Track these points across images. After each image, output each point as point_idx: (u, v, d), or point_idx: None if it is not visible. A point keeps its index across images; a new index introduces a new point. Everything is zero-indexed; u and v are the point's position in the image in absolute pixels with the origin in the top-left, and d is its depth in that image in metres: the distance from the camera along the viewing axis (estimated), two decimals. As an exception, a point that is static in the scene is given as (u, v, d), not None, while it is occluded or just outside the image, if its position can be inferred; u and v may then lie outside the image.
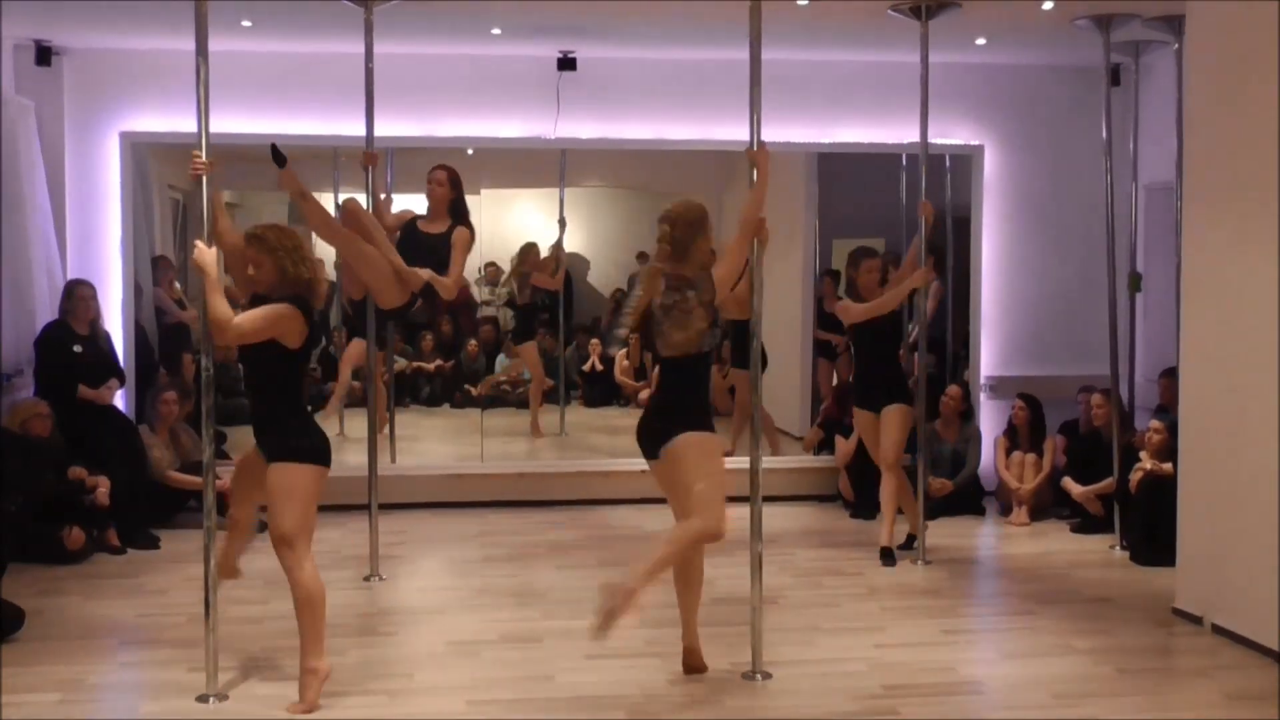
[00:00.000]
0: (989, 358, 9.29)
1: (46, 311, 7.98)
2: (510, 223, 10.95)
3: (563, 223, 10.04)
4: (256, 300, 4.95)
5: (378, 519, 6.98)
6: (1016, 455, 8.65)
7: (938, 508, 8.28)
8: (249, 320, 4.85)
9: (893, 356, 7.55)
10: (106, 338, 8.19)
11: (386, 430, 9.11)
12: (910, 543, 7.44)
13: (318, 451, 5.00)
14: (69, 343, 7.79)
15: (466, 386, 11.05)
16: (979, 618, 6.56)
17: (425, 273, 6.57)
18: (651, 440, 5.10)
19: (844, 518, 8.53)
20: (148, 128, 8.54)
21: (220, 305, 4.83)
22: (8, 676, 5.25)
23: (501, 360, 11.09)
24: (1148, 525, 7.26)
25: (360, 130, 7.07)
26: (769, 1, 5.55)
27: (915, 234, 7.36)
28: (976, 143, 9.22)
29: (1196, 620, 6.08)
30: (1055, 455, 8.55)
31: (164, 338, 9.15)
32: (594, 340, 11.13)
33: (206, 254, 4.92)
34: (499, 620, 6.15)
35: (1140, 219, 8.57)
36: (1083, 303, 8.95)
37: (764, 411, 5.66)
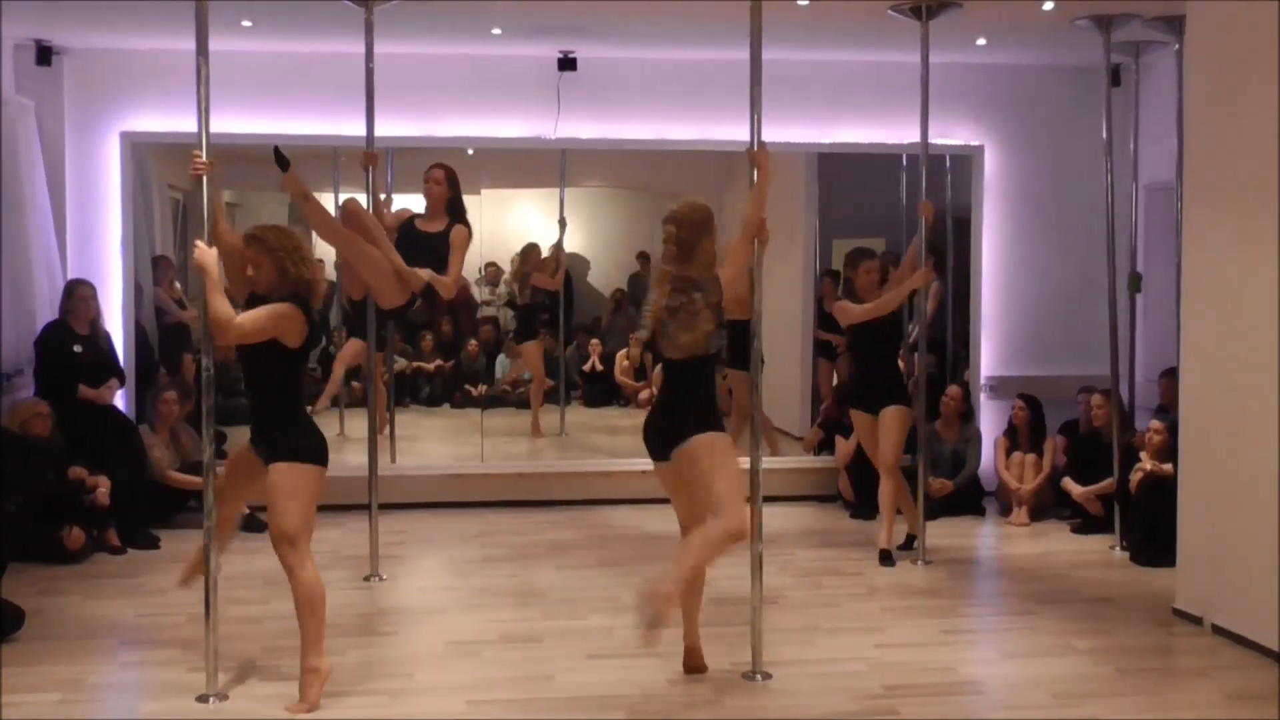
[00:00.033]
0: (989, 358, 9.29)
1: (47, 311, 7.98)
2: (510, 223, 10.96)
3: (563, 223, 10.04)
4: (254, 300, 4.96)
5: (378, 519, 6.98)
6: (1017, 455, 8.66)
7: (938, 508, 8.28)
8: (251, 320, 4.86)
9: (891, 357, 7.55)
10: (107, 337, 8.19)
11: (387, 430, 9.12)
12: (910, 543, 7.44)
13: (318, 451, 5.02)
14: (69, 342, 7.79)
15: (466, 386, 11.05)
16: (979, 618, 6.56)
17: (425, 273, 6.56)
18: (661, 442, 5.08)
19: (844, 518, 8.53)
20: (148, 128, 8.54)
21: (222, 305, 4.83)
22: (8, 676, 5.25)
23: (501, 360, 11.10)
24: (1148, 525, 7.26)
25: (360, 130, 7.07)
26: (769, 1, 5.55)
27: (915, 234, 7.37)
28: (977, 143, 9.22)
29: (1196, 620, 6.08)
30: (1055, 455, 8.55)
31: (164, 337, 9.15)
32: (594, 340, 11.13)
33: (208, 254, 4.92)
34: (499, 620, 6.15)
35: (1140, 219, 8.57)
36: (1083, 303, 8.95)
37: (762, 413, 5.65)
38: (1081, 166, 9.04)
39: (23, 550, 6.93)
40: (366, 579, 6.88)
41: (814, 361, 9.96)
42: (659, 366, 10.68)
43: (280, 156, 5.97)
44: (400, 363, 10.64)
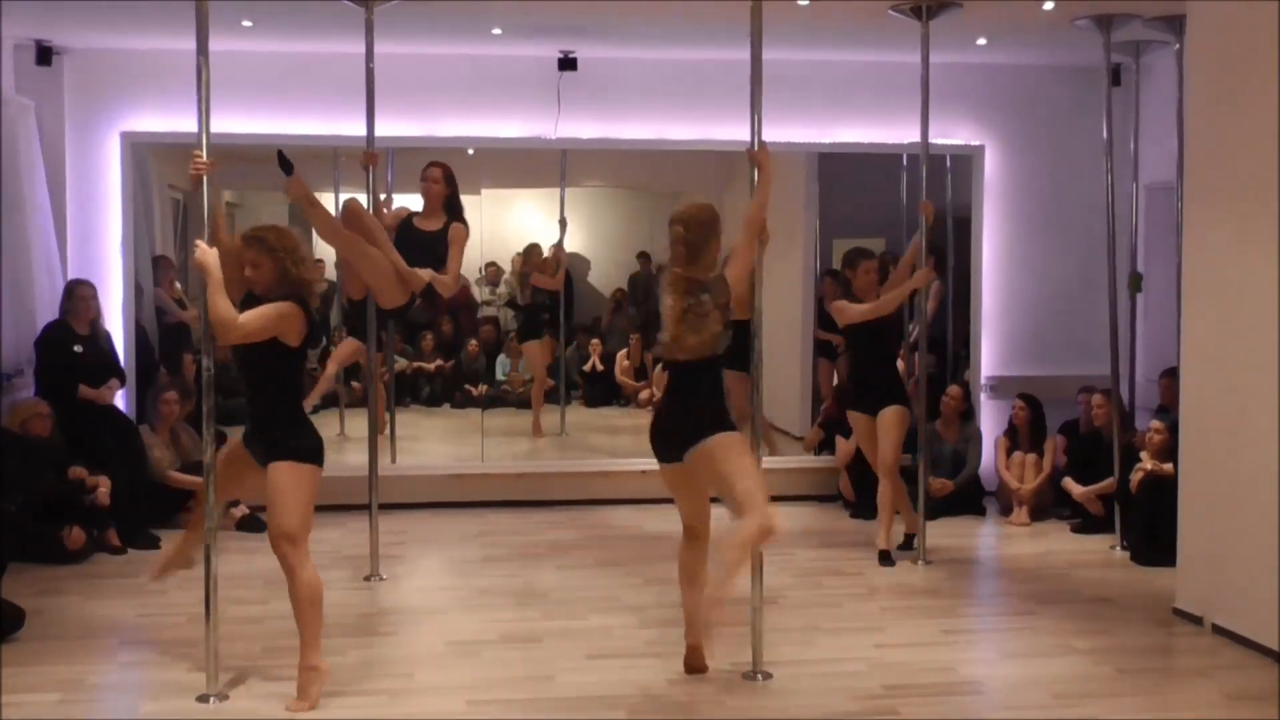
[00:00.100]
0: (989, 358, 9.29)
1: (47, 311, 7.98)
2: (510, 223, 10.96)
3: (563, 223, 10.05)
4: (250, 301, 4.96)
5: (378, 519, 6.98)
6: (1017, 455, 8.65)
7: (938, 508, 8.28)
8: (253, 319, 4.87)
9: (889, 357, 7.55)
10: (107, 337, 8.19)
11: (387, 430, 9.12)
12: (909, 543, 7.44)
13: (317, 451, 5.03)
14: (69, 342, 7.79)
15: (466, 386, 11.05)
16: (979, 618, 6.56)
17: (426, 273, 6.57)
18: (672, 443, 5.06)
19: (844, 518, 8.53)
20: (148, 127, 8.54)
21: (224, 305, 4.84)
22: (8, 676, 5.25)
23: (501, 360, 11.10)
24: (1148, 525, 7.26)
25: (360, 130, 7.07)
26: (770, 1, 5.55)
27: (915, 233, 7.36)
28: (977, 143, 9.22)
29: (1197, 620, 6.08)
30: (1056, 455, 8.55)
31: (164, 337, 9.15)
32: (594, 340, 11.14)
33: (209, 254, 4.92)
34: (499, 620, 6.15)
35: (1141, 219, 8.57)
36: (1083, 303, 8.95)
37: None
38: (1082, 166, 9.04)
39: (23, 550, 6.93)
40: (367, 579, 6.88)
41: (814, 361, 9.96)
42: (659, 366, 10.77)
43: (284, 160, 5.97)
44: (400, 363, 10.64)
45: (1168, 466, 7.16)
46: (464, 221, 6.79)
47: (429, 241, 6.69)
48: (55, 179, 8.33)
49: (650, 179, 10.68)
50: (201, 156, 5.03)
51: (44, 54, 8.28)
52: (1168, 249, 7.94)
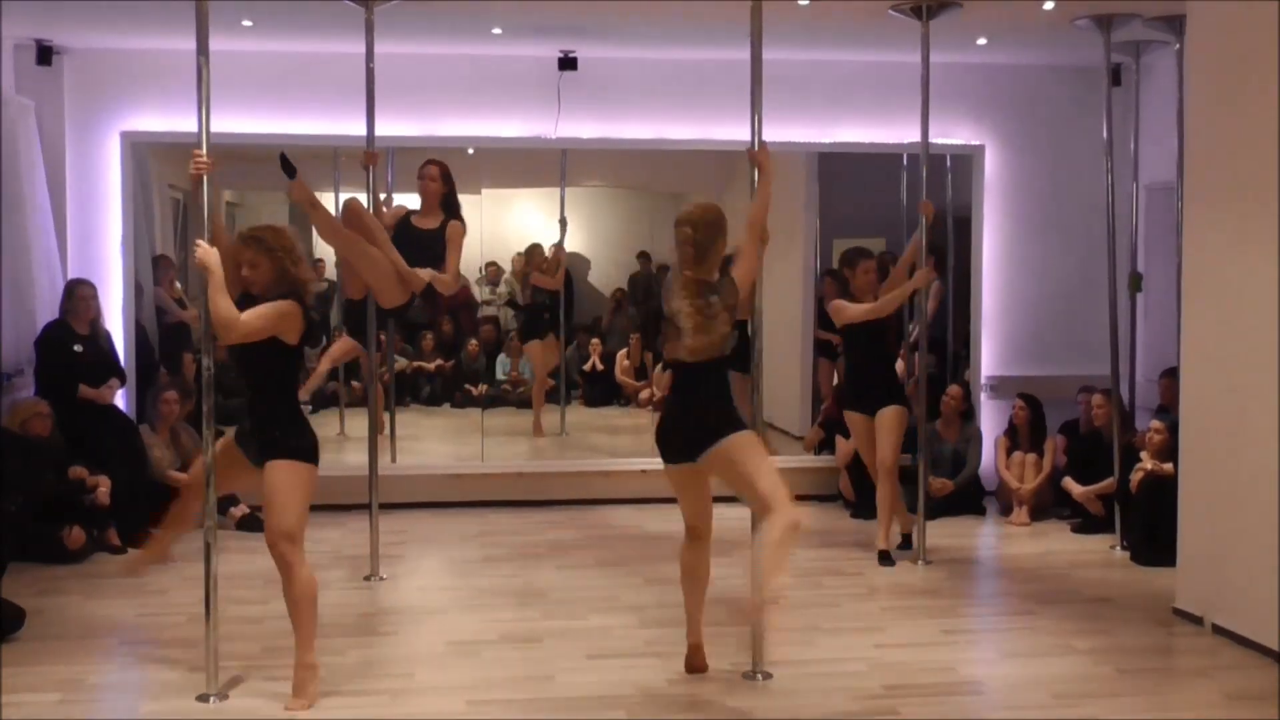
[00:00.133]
0: (989, 357, 9.29)
1: (47, 311, 7.98)
2: (510, 222, 10.96)
3: (563, 222, 10.05)
4: (247, 300, 4.97)
5: (378, 518, 6.98)
6: (1017, 455, 8.65)
7: (938, 508, 8.28)
8: (255, 317, 4.88)
9: (887, 357, 7.55)
10: (107, 337, 8.19)
11: (387, 430, 9.12)
12: (907, 542, 7.44)
13: (314, 451, 5.05)
14: (69, 342, 7.79)
15: (466, 386, 11.05)
16: (979, 618, 6.56)
17: (426, 273, 6.59)
18: (684, 445, 5.04)
19: (844, 518, 8.53)
20: (148, 127, 8.54)
21: (226, 304, 4.85)
22: (8, 676, 5.25)
23: (502, 359, 11.10)
24: (1148, 525, 7.26)
25: (361, 130, 7.07)
26: (770, 1, 5.55)
27: (915, 232, 7.37)
28: (977, 143, 9.22)
29: (1197, 620, 6.08)
30: (1056, 455, 8.55)
31: (164, 337, 9.15)
32: (594, 340, 11.14)
33: (211, 253, 4.92)
34: (499, 620, 6.15)
35: (1141, 219, 8.57)
36: (1083, 303, 8.95)
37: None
38: (1082, 166, 9.04)
39: (23, 550, 6.93)
40: (367, 579, 6.88)
41: (814, 361, 9.96)
42: (660, 366, 10.77)
43: (286, 164, 5.98)
44: (401, 362, 10.64)
45: (1168, 466, 7.16)
46: (461, 219, 6.80)
47: (427, 240, 6.70)
48: (55, 179, 8.33)
49: (650, 179, 10.68)
50: (202, 156, 5.03)
51: (44, 54, 8.28)
52: (1168, 249, 7.94)
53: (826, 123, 9.02)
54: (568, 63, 8.72)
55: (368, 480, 7.02)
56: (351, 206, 6.57)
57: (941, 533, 7.90)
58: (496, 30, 7.97)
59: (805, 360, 9.99)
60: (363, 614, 6.31)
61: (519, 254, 10.89)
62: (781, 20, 7.17)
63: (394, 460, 9.13)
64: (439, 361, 11.15)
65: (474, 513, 8.55)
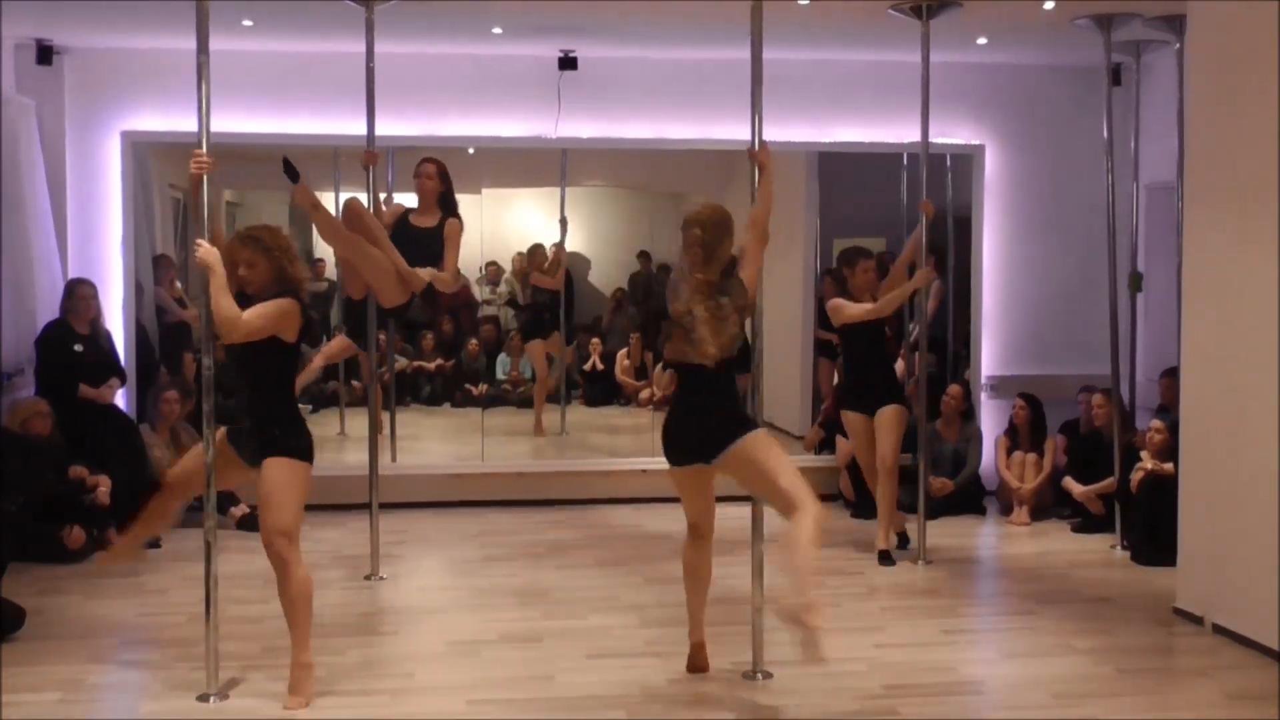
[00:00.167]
0: (990, 357, 9.29)
1: (47, 310, 7.98)
2: (511, 222, 10.96)
3: (564, 222, 10.05)
4: (242, 300, 4.98)
5: (378, 518, 6.98)
6: (1017, 455, 8.66)
7: (938, 507, 8.28)
8: (257, 316, 4.90)
9: (888, 357, 7.54)
10: (107, 337, 8.19)
11: (387, 429, 9.12)
12: (904, 543, 7.43)
13: (310, 449, 5.07)
14: (70, 342, 7.79)
15: (467, 386, 11.05)
16: (979, 618, 6.56)
17: (426, 272, 6.61)
18: (695, 447, 5.03)
19: (845, 517, 8.52)
20: (148, 127, 8.54)
21: (229, 303, 4.86)
22: (8, 676, 5.25)
23: (502, 359, 11.10)
24: (1148, 525, 7.26)
25: (361, 130, 7.07)
26: (770, 1, 5.55)
27: (914, 230, 7.37)
28: (977, 142, 9.22)
29: (1197, 620, 6.08)
30: (1056, 455, 8.56)
31: (165, 337, 9.15)
32: (594, 339, 11.13)
33: (212, 252, 4.93)
34: (499, 620, 6.15)
35: (1141, 219, 8.56)
36: (1083, 302, 8.95)
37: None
38: (1082, 166, 9.04)
39: (23, 550, 6.93)
40: (367, 578, 6.88)
41: (814, 361, 9.96)
42: (660, 366, 10.75)
43: (290, 168, 5.99)
44: (401, 362, 10.64)
45: (1168, 466, 7.15)
46: (459, 216, 6.82)
47: (425, 238, 6.73)
48: (56, 178, 8.33)
49: (650, 179, 10.68)
50: (203, 155, 5.03)
51: (44, 53, 8.28)
52: (1168, 249, 7.94)
53: (826, 122, 9.02)
54: (568, 62, 8.72)
55: (368, 480, 7.02)
56: (352, 206, 6.58)
57: (942, 532, 7.90)
58: (496, 30, 7.97)
59: (805, 360, 9.99)
60: (363, 614, 6.31)
61: (519, 254, 10.89)
62: (781, 20, 7.17)
63: (394, 460, 9.13)
64: (439, 361, 11.14)
65: (474, 513, 8.55)
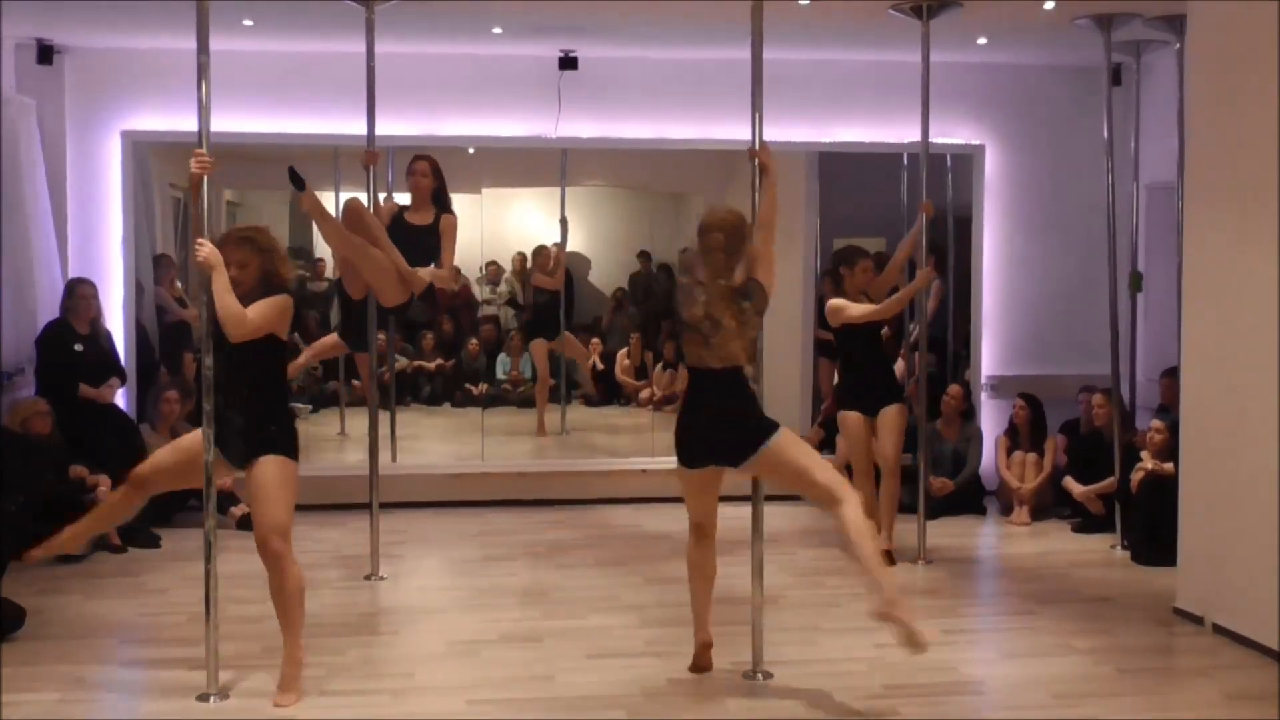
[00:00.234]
0: (990, 357, 9.29)
1: (48, 310, 7.99)
2: (511, 222, 10.95)
3: (564, 222, 10.05)
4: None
5: (378, 518, 6.98)
6: (1017, 455, 8.66)
7: (939, 507, 8.28)
8: (259, 314, 4.94)
9: (888, 357, 7.54)
10: (108, 336, 8.19)
11: (387, 429, 9.11)
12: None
13: (298, 447, 5.10)
14: (70, 341, 7.79)
15: (467, 385, 11.05)
16: (979, 618, 6.56)
17: (427, 272, 6.65)
18: (723, 451, 5.06)
19: (844, 517, 8.51)
20: (149, 126, 8.54)
21: (232, 301, 4.88)
22: (8, 676, 5.25)
23: (502, 359, 11.10)
24: (1149, 525, 7.26)
25: (361, 129, 7.08)
26: (770, 1, 5.55)
27: (913, 227, 7.38)
28: (977, 142, 9.23)
29: (1197, 620, 6.08)
30: (1056, 455, 8.56)
31: (165, 336, 9.15)
32: (595, 339, 11.13)
33: (214, 252, 4.94)
34: (499, 620, 6.15)
35: (1141, 218, 8.56)
36: (1084, 302, 8.96)
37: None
38: (1082, 166, 9.04)
39: (23, 550, 6.91)
40: (367, 578, 6.88)
41: (814, 361, 9.96)
42: (660, 366, 10.75)
43: (295, 177, 6.01)
44: (401, 362, 10.63)
45: (1168, 466, 7.15)
46: (453, 212, 6.85)
47: (421, 235, 6.77)
48: (56, 178, 8.33)
49: (650, 179, 10.67)
50: (204, 155, 5.03)
51: (45, 53, 8.29)
52: (1168, 249, 7.94)
53: (827, 122, 9.02)
54: (568, 62, 8.72)
55: (368, 480, 7.02)
56: (352, 206, 6.59)
57: (942, 532, 7.90)
58: (497, 30, 7.97)
59: (805, 360, 9.99)
60: (363, 613, 6.31)
61: (519, 254, 10.89)
62: (782, 20, 7.17)
63: (394, 460, 9.12)
64: (439, 361, 11.14)
65: (474, 512, 8.55)
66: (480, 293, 11.18)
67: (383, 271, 6.49)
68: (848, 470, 8.58)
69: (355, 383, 10.17)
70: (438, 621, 6.16)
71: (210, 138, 5.08)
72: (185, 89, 5.29)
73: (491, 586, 6.78)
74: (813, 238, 9.97)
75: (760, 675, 5.31)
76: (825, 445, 9.22)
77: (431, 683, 5.29)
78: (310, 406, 10.15)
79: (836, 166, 9.67)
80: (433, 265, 6.76)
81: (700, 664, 5.37)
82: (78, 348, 7.80)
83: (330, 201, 8.56)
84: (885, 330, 7.55)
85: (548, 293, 10.34)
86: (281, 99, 8.62)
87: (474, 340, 11.18)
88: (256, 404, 5.04)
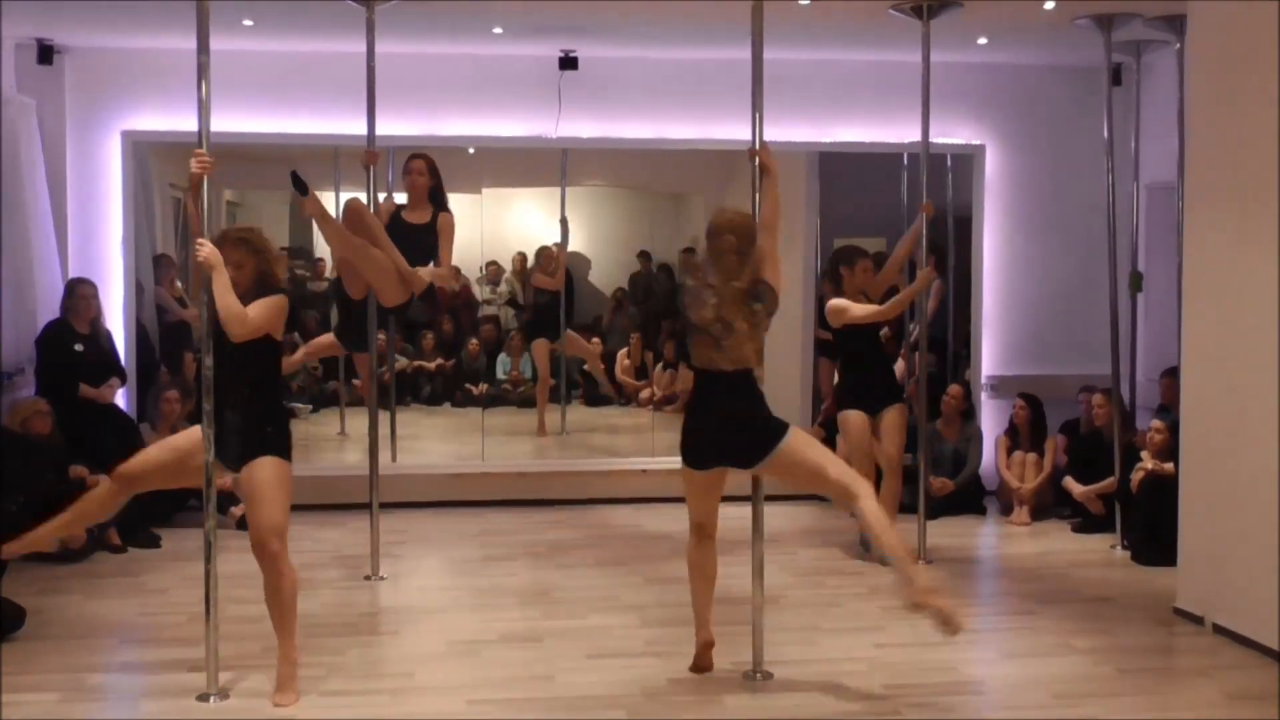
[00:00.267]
0: (990, 357, 9.29)
1: (48, 310, 7.99)
2: (511, 222, 10.96)
3: (564, 222, 10.05)
4: None
5: (378, 518, 6.97)
6: (1017, 455, 8.66)
7: (939, 507, 8.28)
8: (259, 313, 4.95)
9: (888, 357, 7.54)
10: (108, 336, 8.19)
11: (387, 429, 9.11)
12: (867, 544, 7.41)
13: (292, 448, 5.11)
14: (70, 341, 7.79)
15: (467, 385, 11.05)
16: (979, 618, 6.54)
17: (427, 272, 6.66)
18: (734, 452, 5.07)
19: (845, 517, 8.49)
20: (149, 126, 8.54)
21: (233, 300, 4.89)
22: (8, 676, 5.25)
23: (502, 359, 11.10)
24: (1149, 525, 7.26)
25: (361, 129, 7.08)
26: (770, 1, 5.55)
27: (912, 227, 7.38)
28: (978, 142, 9.23)
29: (1197, 620, 6.08)
30: (1056, 455, 8.56)
31: (165, 336, 9.15)
32: (595, 339, 11.13)
33: (214, 252, 4.94)
34: (499, 620, 6.15)
35: (1141, 218, 8.56)
36: (1084, 302, 8.95)
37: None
38: (1082, 166, 9.04)
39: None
40: (367, 578, 6.88)
41: (814, 361, 9.96)
42: (660, 366, 10.74)
43: (298, 181, 6.02)
44: (401, 362, 10.63)
45: (1168, 466, 7.15)
46: (450, 210, 6.86)
47: (418, 234, 6.78)
48: (56, 178, 8.33)
49: (650, 179, 10.68)
50: (204, 155, 5.03)
51: (45, 53, 8.28)
52: (1168, 249, 7.94)
53: (827, 122, 9.02)
54: (568, 62, 8.72)
55: (368, 479, 7.02)
56: (353, 207, 6.60)
57: (942, 532, 7.90)
58: (497, 30, 7.97)
59: (805, 360, 9.99)
60: (363, 613, 6.31)
61: (519, 253, 10.89)
62: (782, 20, 7.17)
63: (394, 460, 9.12)
64: (439, 361, 11.14)
65: (474, 512, 8.55)
66: (480, 293, 11.18)
67: (383, 272, 6.51)
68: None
69: (355, 382, 10.17)
70: (438, 621, 6.16)
71: (210, 138, 5.08)
72: (185, 89, 5.29)
73: (491, 586, 6.78)
74: (813, 238, 9.97)
75: (760, 675, 5.31)
76: (825, 445, 9.20)
77: (431, 683, 5.29)
78: (310, 406, 10.15)
79: (836, 166, 9.67)
80: (431, 264, 6.77)
81: (701, 664, 5.37)
82: (78, 348, 7.80)
83: (330, 201, 8.56)
84: (885, 330, 7.56)
85: (548, 293, 10.35)
86: (281, 99, 8.62)
87: (474, 340, 11.18)
88: (256, 404, 5.04)
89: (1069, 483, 8.28)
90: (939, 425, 8.70)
